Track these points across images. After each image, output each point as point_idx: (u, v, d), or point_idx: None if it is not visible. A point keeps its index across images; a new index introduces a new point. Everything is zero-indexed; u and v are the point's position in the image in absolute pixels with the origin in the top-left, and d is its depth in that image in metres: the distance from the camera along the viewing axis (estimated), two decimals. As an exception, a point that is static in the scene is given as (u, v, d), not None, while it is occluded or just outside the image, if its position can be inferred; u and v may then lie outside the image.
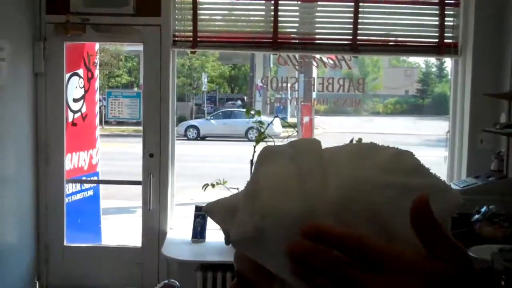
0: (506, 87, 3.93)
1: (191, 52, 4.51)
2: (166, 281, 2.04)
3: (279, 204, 0.56)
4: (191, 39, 4.29)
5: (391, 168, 0.56)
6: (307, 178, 0.56)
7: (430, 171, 0.58)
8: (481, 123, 3.99)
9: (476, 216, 3.44)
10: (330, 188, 0.55)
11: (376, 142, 0.62)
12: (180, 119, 15.42)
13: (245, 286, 0.61)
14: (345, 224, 0.53)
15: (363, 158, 0.58)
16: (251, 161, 3.95)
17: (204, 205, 0.67)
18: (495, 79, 4.06)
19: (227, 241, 0.63)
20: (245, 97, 22.63)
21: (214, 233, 4.28)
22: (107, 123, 15.20)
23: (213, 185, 4.00)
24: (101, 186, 5.50)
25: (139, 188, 4.40)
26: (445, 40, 4.29)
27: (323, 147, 0.61)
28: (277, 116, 4.63)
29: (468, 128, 4.20)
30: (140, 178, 4.38)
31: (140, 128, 4.43)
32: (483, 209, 3.43)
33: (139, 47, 4.48)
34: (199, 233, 4.17)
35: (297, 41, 4.55)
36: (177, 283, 2.05)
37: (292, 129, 4.39)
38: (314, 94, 6.13)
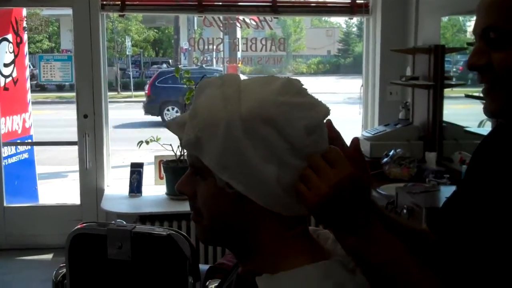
0: (411, 43, 4.36)
1: (120, 16, 4.67)
2: (115, 221, 2.30)
3: (210, 121, 0.87)
4: (119, 2, 4.45)
5: (284, 91, 0.88)
6: (228, 102, 0.87)
7: (309, 92, 0.91)
8: (390, 77, 4.42)
9: (385, 159, 3.87)
10: (243, 108, 0.86)
11: (275, 75, 0.95)
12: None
13: (196, 172, 0.92)
14: (252, 130, 0.85)
15: (266, 84, 0.90)
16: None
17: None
18: (401, 36, 4.48)
19: (181, 145, 0.94)
20: (170, 61, 22.60)
21: (150, 187, 4.56)
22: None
23: (147, 142, 4.25)
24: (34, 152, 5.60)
25: (71, 152, 4.57)
26: (357, 1, 4.66)
27: (241, 79, 0.93)
28: (204, 76, 4.88)
29: (378, 82, 4.63)
30: (75, 139, 4.56)
31: (64, 94, 4.58)
32: (391, 153, 3.87)
33: (60, 11, 4.60)
34: (135, 188, 4.42)
35: (220, 3, 4.80)
36: (124, 222, 2.32)
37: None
38: (239, 54, 6.40)
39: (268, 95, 0.88)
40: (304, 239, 0.93)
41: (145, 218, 4.16)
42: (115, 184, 4.78)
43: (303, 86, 0.92)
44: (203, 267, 2.05)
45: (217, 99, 0.89)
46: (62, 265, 2.14)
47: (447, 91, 3.96)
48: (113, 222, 2.28)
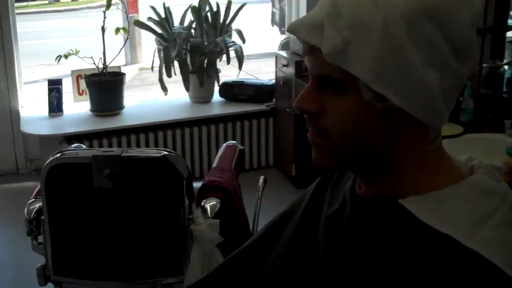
0: None
1: None
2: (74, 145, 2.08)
3: (360, 20, 0.71)
4: None
5: None
6: None
7: None
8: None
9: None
10: (401, 2, 0.71)
11: None
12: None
13: (331, 85, 0.76)
14: (415, 29, 0.70)
15: None
16: (102, 28, 3.87)
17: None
18: None
19: (306, 52, 0.77)
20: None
21: (70, 105, 4.22)
22: None
23: (66, 56, 3.89)
24: None
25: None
26: None
27: None
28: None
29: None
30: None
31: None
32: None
33: None
34: (56, 106, 4.08)
35: None
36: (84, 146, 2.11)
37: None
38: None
39: None
40: (442, 153, 0.81)
41: (70, 138, 3.86)
42: (31, 104, 4.38)
43: None
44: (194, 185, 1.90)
45: None
46: (31, 200, 1.91)
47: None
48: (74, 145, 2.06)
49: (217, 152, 2.24)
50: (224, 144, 2.31)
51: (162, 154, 1.72)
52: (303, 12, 4.49)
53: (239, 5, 4.31)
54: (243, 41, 4.21)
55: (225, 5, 4.24)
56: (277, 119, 4.31)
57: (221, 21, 4.19)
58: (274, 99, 4.31)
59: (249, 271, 1.00)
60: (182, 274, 1.82)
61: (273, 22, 8.91)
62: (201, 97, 4.31)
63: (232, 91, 4.33)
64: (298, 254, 0.91)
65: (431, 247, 0.72)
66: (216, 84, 4.32)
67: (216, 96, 4.39)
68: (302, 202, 1.00)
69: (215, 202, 1.86)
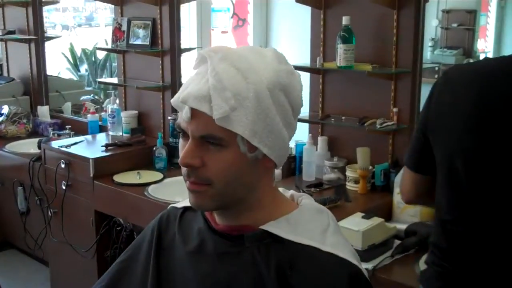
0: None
1: None
2: None
3: (240, 92, 0.95)
4: None
5: (281, 60, 1.02)
6: (247, 73, 0.96)
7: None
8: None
9: (0, 119, 3.70)
10: (264, 78, 0.97)
11: (251, 48, 1.06)
12: None
13: (213, 142, 0.96)
14: (276, 98, 0.98)
15: (261, 55, 1.01)
16: None
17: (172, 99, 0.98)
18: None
19: (189, 118, 0.96)
20: None
21: None
22: None
23: None
24: None
25: None
26: None
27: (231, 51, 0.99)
28: None
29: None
30: None
31: None
32: (4, 111, 3.72)
33: None
34: None
35: None
36: None
37: None
38: None
39: (275, 65, 0.98)
40: (277, 188, 1.08)
41: None
42: None
43: (283, 54, 1.05)
44: None
45: (232, 71, 0.95)
46: None
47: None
48: None
49: None
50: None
51: None
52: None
53: None
54: None
55: None
56: None
57: None
58: None
59: None
60: None
61: None
62: None
63: None
64: None
65: (300, 256, 0.97)
66: None
67: None
68: (142, 245, 1.16)
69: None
